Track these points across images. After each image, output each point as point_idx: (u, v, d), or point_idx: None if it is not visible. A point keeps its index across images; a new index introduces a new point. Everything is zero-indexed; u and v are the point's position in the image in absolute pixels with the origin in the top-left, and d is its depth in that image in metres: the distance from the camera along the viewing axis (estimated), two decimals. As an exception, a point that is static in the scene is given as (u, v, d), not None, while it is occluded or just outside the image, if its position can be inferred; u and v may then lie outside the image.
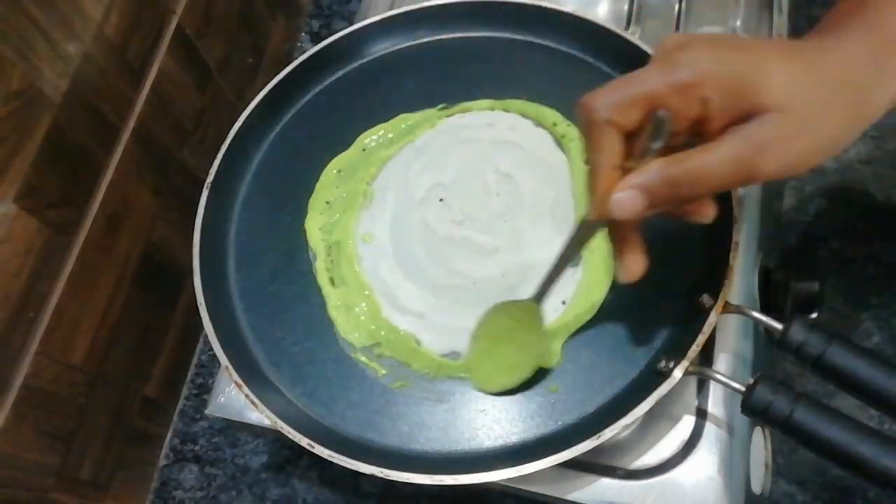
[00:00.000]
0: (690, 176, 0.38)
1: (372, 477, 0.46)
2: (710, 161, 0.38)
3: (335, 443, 0.48)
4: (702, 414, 0.50)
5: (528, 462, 0.45)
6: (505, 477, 0.45)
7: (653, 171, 0.39)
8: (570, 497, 0.49)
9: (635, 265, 0.44)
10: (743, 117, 0.38)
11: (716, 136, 0.39)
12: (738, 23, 0.62)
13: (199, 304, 0.53)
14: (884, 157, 0.72)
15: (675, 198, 0.40)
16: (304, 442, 0.48)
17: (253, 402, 0.49)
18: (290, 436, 0.48)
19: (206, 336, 0.52)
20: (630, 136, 0.40)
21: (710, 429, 0.49)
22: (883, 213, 0.70)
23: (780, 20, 0.66)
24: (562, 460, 0.45)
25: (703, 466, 0.48)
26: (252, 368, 0.53)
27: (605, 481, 0.49)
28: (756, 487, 0.52)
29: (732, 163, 0.38)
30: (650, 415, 0.49)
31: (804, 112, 0.38)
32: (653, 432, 0.50)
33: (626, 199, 0.40)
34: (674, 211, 0.43)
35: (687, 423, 0.50)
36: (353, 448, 0.49)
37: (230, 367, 0.51)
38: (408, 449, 0.50)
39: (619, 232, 0.44)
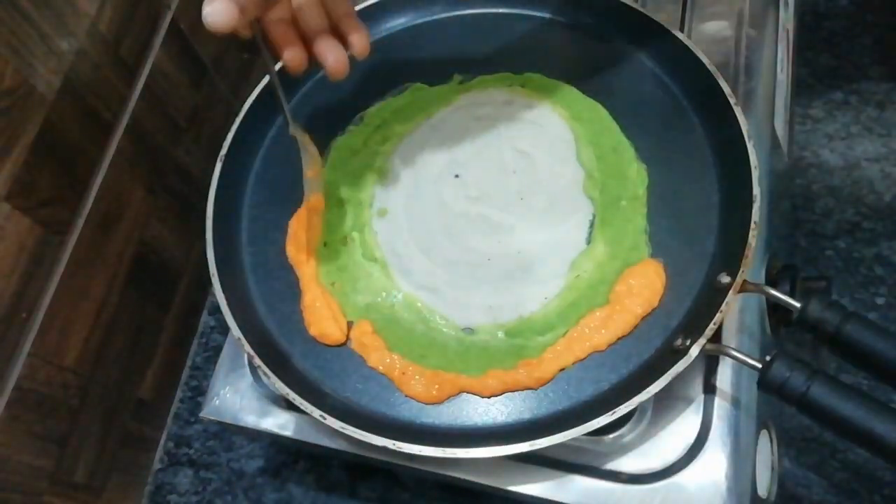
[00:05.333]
0: None
1: (373, 480, 0.46)
2: None
3: (347, 415, 0.49)
4: (707, 417, 0.50)
5: (541, 437, 0.45)
6: (517, 451, 0.45)
7: None
8: (573, 502, 0.49)
9: (294, 58, 0.45)
10: None
11: None
12: (746, 17, 0.62)
13: (211, 275, 0.54)
14: (891, 155, 0.72)
15: None
16: (316, 413, 0.48)
17: (265, 374, 0.50)
18: (302, 407, 0.49)
19: (201, 336, 0.52)
20: None
21: (715, 433, 0.49)
22: (890, 212, 0.70)
23: (787, 15, 0.66)
24: (576, 435, 0.45)
25: (709, 470, 0.48)
26: (264, 340, 0.54)
27: (609, 486, 0.49)
28: (762, 491, 0.52)
29: None
30: (654, 418, 0.50)
31: None
32: (657, 435, 0.50)
33: (217, 8, 0.40)
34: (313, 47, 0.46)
35: (692, 426, 0.50)
36: (365, 421, 0.49)
37: (242, 338, 0.51)
38: (419, 423, 0.51)
39: (270, 34, 0.45)
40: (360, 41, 0.46)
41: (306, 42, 0.46)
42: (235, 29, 0.42)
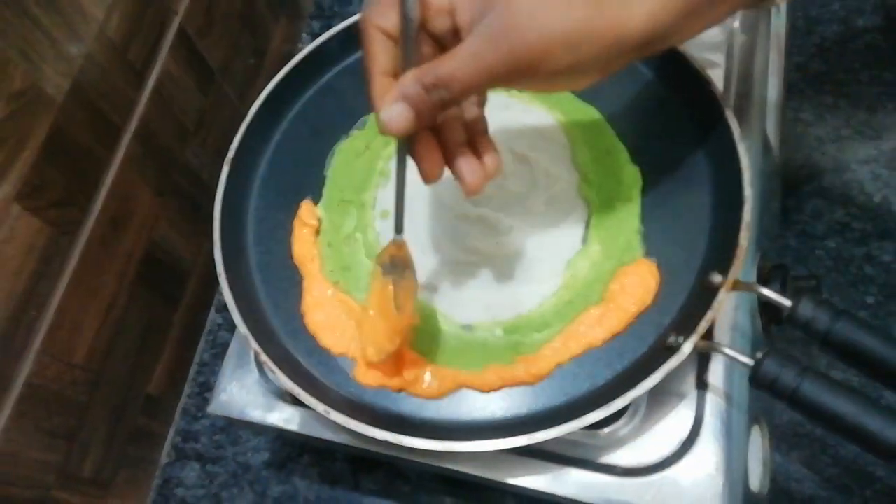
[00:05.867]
0: (440, 79, 0.40)
1: (375, 473, 0.46)
2: (454, 62, 0.39)
3: (350, 410, 0.49)
4: (700, 413, 0.50)
5: (538, 431, 0.46)
6: (515, 445, 0.46)
7: (409, 78, 0.40)
8: (569, 494, 0.49)
9: (432, 169, 0.45)
10: (482, 11, 0.39)
11: (467, 34, 0.40)
12: (737, 24, 0.62)
13: (219, 275, 0.54)
14: (881, 157, 0.72)
15: (435, 105, 0.41)
16: (320, 408, 0.49)
17: (271, 370, 0.51)
18: (306, 402, 0.49)
19: (209, 333, 0.53)
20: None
21: (708, 427, 0.50)
22: (880, 213, 0.70)
23: (779, 21, 0.66)
24: (571, 430, 0.45)
25: (702, 464, 0.49)
26: (270, 338, 0.54)
27: (604, 478, 0.49)
28: (754, 486, 0.52)
29: (471, 60, 0.39)
30: (649, 413, 0.50)
31: (531, 3, 0.38)
32: (651, 430, 0.50)
33: (395, 114, 0.41)
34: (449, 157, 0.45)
35: (685, 420, 0.50)
36: (368, 415, 0.50)
37: (249, 335, 0.52)
38: (420, 417, 0.51)
39: (414, 142, 0.44)
40: (493, 163, 0.46)
41: (444, 151, 0.45)
42: (407, 134, 0.42)
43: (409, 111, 0.41)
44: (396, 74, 0.42)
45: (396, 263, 0.49)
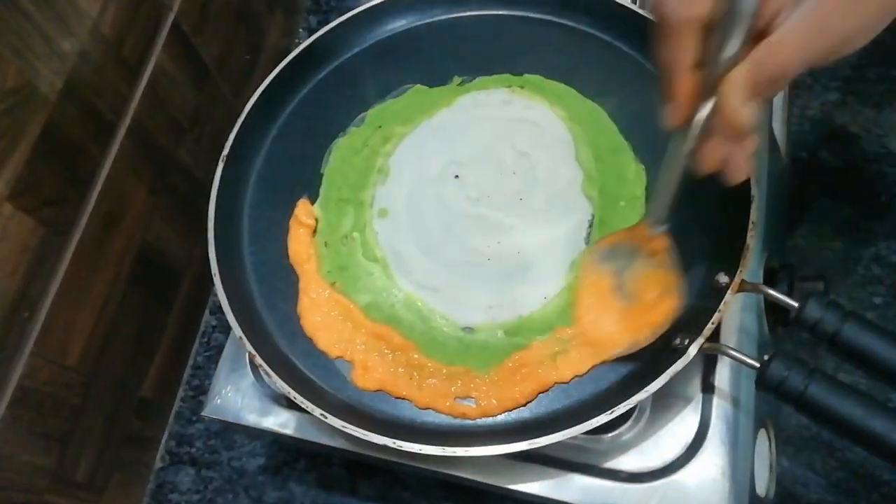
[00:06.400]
0: (773, 75, 0.38)
1: (373, 478, 0.46)
2: (779, 56, 0.38)
3: (347, 414, 0.49)
4: (705, 416, 0.50)
5: (540, 436, 0.45)
6: (517, 450, 0.46)
7: (746, 73, 0.38)
8: (573, 500, 0.49)
9: (714, 159, 0.43)
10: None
11: (770, 19, 0.38)
12: None
13: (213, 275, 0.54)
14: (888, 156, 0.72)
15: (768, 99, 0.41)
16: (317, 412, 0.48)
17: (266, 373, 0.51)
18: (303, 406, 0.49)
19: (203, 335, 0.52)
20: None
21: (713, 431, 0.49)
22: (887, 212, 0.70)
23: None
24: (575, 434, 0.45)
25: (708, 469, 0.48)
26: (265, 340, 0.54)
27: (608, 484, 0.49)
28: (761, 490, 0.52)
29: (795, 53, 0.38)
30: (653, 416, 0.50)
31: None
32: (656, 434, 0.50)
33: (755, 113, 0.39)
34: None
35: (691, 425, 0.50)
36: (366, 419, 0.50)
37: (244, 337, 0.52)
38: (420, 421, 0.51)
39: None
40: (751, 143, 0.43)
41: None
42: None
43: (756, 103, 0.39)
44: (699, 66, 0.40)
45: (619, 252, 0.49)
